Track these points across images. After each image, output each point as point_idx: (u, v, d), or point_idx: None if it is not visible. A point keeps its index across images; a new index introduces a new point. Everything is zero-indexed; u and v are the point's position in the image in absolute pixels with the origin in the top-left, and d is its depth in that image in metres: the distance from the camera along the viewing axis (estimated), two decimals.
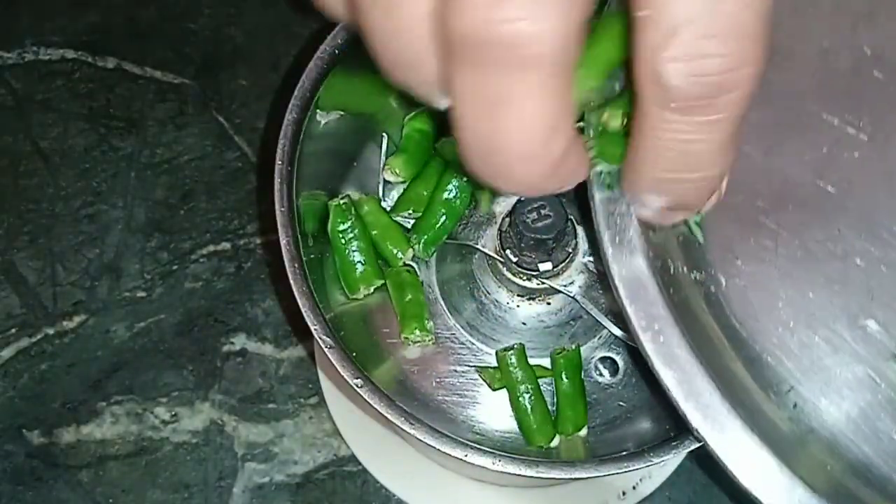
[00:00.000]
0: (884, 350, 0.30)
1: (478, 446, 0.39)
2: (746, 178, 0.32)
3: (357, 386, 0.38)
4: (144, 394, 0.55)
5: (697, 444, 0.37)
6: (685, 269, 0.30)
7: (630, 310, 0.29)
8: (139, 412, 0.55)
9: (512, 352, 0.45)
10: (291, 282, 0.40)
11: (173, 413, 0.55)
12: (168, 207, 0.59)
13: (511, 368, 0.45)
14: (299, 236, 0.41)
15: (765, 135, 0.33)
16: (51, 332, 0.57)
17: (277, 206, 0.41)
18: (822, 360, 0.31)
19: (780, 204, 0.32)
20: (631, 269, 0.29)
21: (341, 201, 0.46)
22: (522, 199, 0.43)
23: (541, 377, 0.46)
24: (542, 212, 0.42)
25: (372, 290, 0.47)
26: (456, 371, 0.47)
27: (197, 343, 0.57)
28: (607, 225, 0.29)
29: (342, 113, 0.46)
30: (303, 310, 0.39)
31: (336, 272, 0.47)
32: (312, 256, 0.45)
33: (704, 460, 0.54)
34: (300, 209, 0.44)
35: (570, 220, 0.44)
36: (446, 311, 0.48)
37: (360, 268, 0.46)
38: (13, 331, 0.57)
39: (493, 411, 0.46)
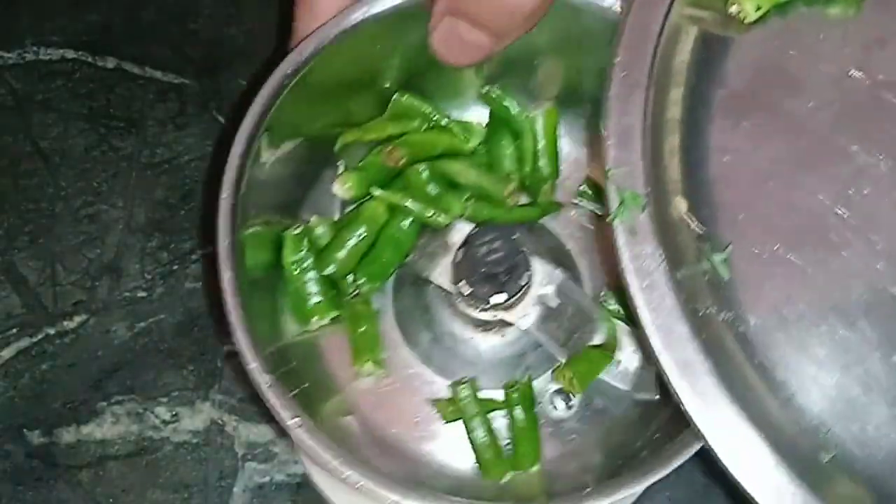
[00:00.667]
0: None
1: (415, 489, 0.38)
2: (768, 213, 0.32)
3: (295, 426, 0.37)
4: (145, 394, 0.55)
5: (655, 479, 0.38)
6: (714, 309, 0.30)
7: (663, 357, 0.28)
8: (139, 412, 0.55)
9: (466, 384, 0.45)
10: (233, 319, 0.39)
11: (173, 413, 0.55)
12: (168, 207, 0.59)
13: (464, 401, 0.45)
14: (245, 269, 0.40)
15: (784, 168, 0.32)
16: (51, 332, 0.57)
17: (220, 242, 0.40)
18: (858, 399, 0.30)
19: (803, 239, 0.31)
20: (662, 315, 0.28)
21: (295, 231, 0.45)
22: (475, 230, 0.43)
23: (494, 410, 0.46)
24: (494, 244, 0.42)
25: (326, 321, 0.46)
26: (412, 403, 0.47)
27: (197, 343, 0.57)
28: (634, 269, 0.29)
29: (295, 142, 0.46)
30: (241, 347, 0.38)
31: (290, 302, 0.46)
32: (265, 285, 0.45)
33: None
34: (250, 237, 0.43)
35: (524, 253, 0.44)
36: (402, 341, 0.48)
37: (313, 299, 0.46)
38: (13, 331, 0.57)
39: (451, 445, 0.46)
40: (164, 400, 0.55)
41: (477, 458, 0.45)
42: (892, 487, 0.30)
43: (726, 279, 0.31)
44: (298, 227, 0.46)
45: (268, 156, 0.43)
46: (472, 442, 0.45)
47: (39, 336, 0.57)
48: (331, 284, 0.47)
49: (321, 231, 0.47)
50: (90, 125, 0.62)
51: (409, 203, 0.46)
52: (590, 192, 0.49)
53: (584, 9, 0.42)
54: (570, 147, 0.51)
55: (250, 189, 0.42)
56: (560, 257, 0.49)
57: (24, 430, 0.55)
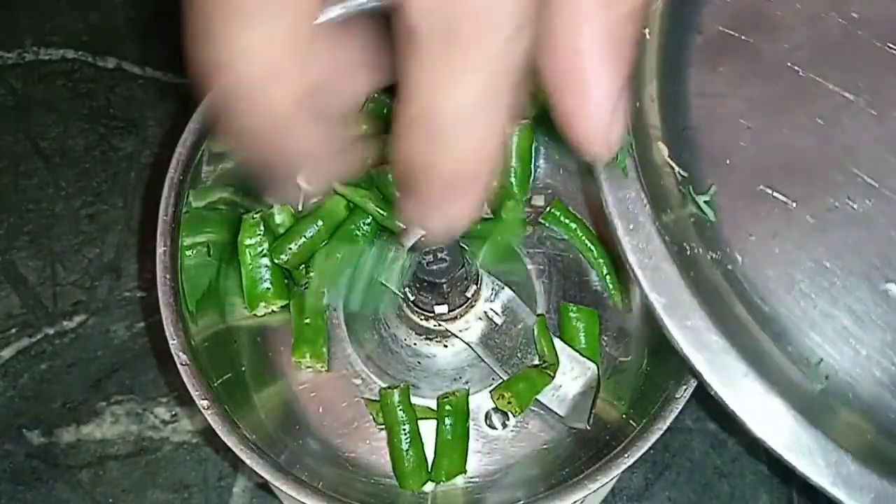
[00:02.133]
0: None
1: (312, 485, 0.38)
2: (750, 152, 0.32)
3: (203, 408, 0.38)
4: (144, 394, 0.55)
5: (585, 494, 0.37)
6: (701, 250, 0.30)
7: (653, 296, 0.28)
8: (139, 412, 0.55)
9: (396, 390, 0.44)
10: (160, 292, 0.39)
11: (173, 413, 0.55)
12: None
13: (392, 407, 0.44)
14: (181, 248, 0.41)
15: (764, 108, 0.32)
16: (51, 332, 0.57)
17: (161, 215, 0.40)
18: (848, 329, 0.30)
19: (786, 176, 0.32)
20: (650, 256, 0.29)
21: (253, 215, 0.46)
22: (422, 238, 0.43)
23: (425, 419, 0.45)
24: (439, 255, 0.42)
25: (274, 308, 0.47)
26: (345, 400, 0.46)
27: None
28: (619, 213, 0.29)
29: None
30: (164, 322, 0.39)
31: (240, 284, 0.46)
32: (218, 264, 0.45)
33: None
34: (204, 215, 0.43)
35: (475, 266, 0.44)
36: (347, 338, 0.48)
37: (263, 285, 0.46)
38: (13, 331, 0.57)
39: (376, 447, 0.46)
40: (164, 400, 0.55)
41: (395, 465, 0.44)
42: (888, 417, 0.30)
43: (712, 220, 0.31)
44: (258, 212, 0.46)
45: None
46: (391, 448, 0.44)
47: (39, 336, 0.57)
48: (283, 273, 0.47)
49: (280, 219, 0.47)
50: (90, 125, 0.62)
51: (367, 203, 0.46)
52: (557, 213, 0.49)
53: None
54: (542, 168, 0.51)
55: (209, 167, 0.42)
56: (516, 275, 0.49)
57: (24, 430, 0.55)
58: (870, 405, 0.30)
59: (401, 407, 0.44)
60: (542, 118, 0.49)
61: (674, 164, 0.31)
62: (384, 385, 0.46)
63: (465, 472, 0.45)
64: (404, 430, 0.44)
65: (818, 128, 0.32)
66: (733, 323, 0.29)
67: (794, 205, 0.31)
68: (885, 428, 0.30)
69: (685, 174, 0.31)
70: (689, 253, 0.30)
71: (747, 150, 0.32)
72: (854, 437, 0.29)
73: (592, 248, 0.49)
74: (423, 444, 0.44)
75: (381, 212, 0.46)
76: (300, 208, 0.49)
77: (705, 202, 0.31)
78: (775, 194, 0.31)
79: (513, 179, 0.49)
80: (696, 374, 0.29)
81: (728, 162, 0.32)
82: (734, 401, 0.29)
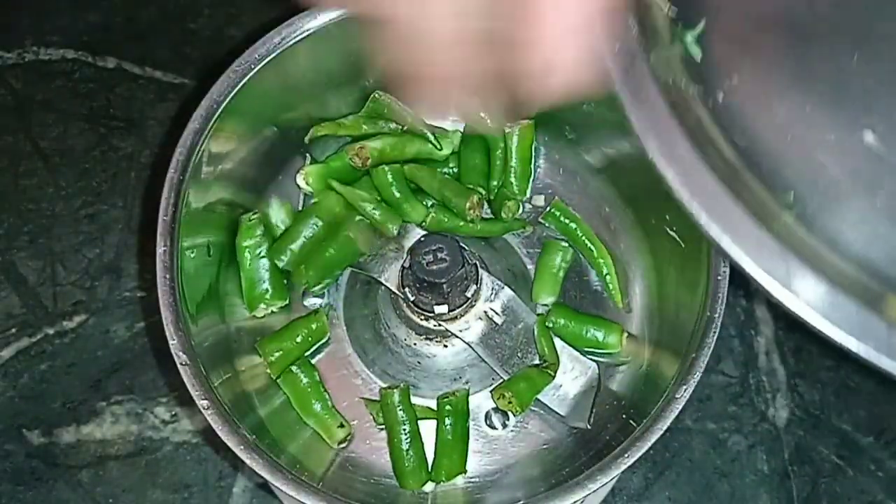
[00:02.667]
0: (882, 160, 0.31)
1: (315, 487, 0.38)
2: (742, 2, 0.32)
3: (203, 408, 0.38)
4: (144, 394, 0.55)
5: (585, 494, 0.37)
6: (684, 82, 0.31)
7: (634, 113, 0.29)
8: (139, 412, 0.55)
9: (396, 390, 0.44)
10: (160, 292, 0.40)
11: (173, 413, 0.55)
12: None
13: (392, 407, 0.44)
14: (180, 247, 0.41)
15: None
16: (51, 332, 0.57)
17: (161, 215, 0.40)
18: (823, 171, 0.31)
19: (775, 25, 0.32)
20: (634, 80, 0.29)
21: (251, 217, 0.46)
22: (422, 238, 0.43)
23: (425, 419, 0.45)
24: (439, 255, 0.42)
25: (272, 310, 0.47)
26: (346, 400, 0.46)
27: None
28: (612, 52, 0.30)
29: (266, 127, 0.46)
30: (164, 322, 0.39)
31: (239, 286, 0.46)
32: (218, 266, 0.45)
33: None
34: (204, 216, 0.43)
35: (475, 266, 0.44)
36: (347, 338, 0.48)
37: (262, 286, 0.46)
38: (13, 331, 0.57)
39: (376, 447, 0.46)
40: (164, 400, 0.55)
41: (395, 465, 0.44)
42: (856, 255, 0.31)
43: (697, 58, 0.32)
44: (255, 213, 0.46)
45: (231, 136, 0.44)
46: (391, 448, 0.44)
47: (39, 336, 0.57)
48: (282, 273, 0.47)
49: (277, 218, 0.47)
50: (90, 125, 0.62)
51: (362, 203, 0.46)
52: (557, 213, 0.49)
53: None
54: (543, 168, 0.51)
55: (209, 167, 0.42)
56: (516, 276, 0.49)
57: (24, 430, 0.55)
58: (838, 245, 0.30)
59: (401, 407, 0.44)
60: (542, 118, 0.49)
61: (665, 2, 0.32)
62: (384, 385, 0.46)
63: (465, 472, 0.45)
64: (404, 430, 0.44)
65: None
66: (716, 156, 0.30)
67: (780, 51, 0.32)
68: (861, 265, 0.30)
69: (675, 11, 0.32)
70: (676, 89, 0.31)
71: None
72: (830, 269, 0.30)
73: (592, 247, 0.49)
74: (423, 445, 0.44)
75: (374, 213, 0.46)
76: (300, 207, 0.49)
77: (694, 39, 0.32)
78: (762, 40, 0.32)
79: (513, 179, 0.49)
80: (680, 198, 0.30)
81: (720, 3, 0.32)
82: (713, 228, 0.29)
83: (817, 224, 0.31)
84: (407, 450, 0.44)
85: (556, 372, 0.44)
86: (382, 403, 0.45)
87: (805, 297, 0.28)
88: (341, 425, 0.45)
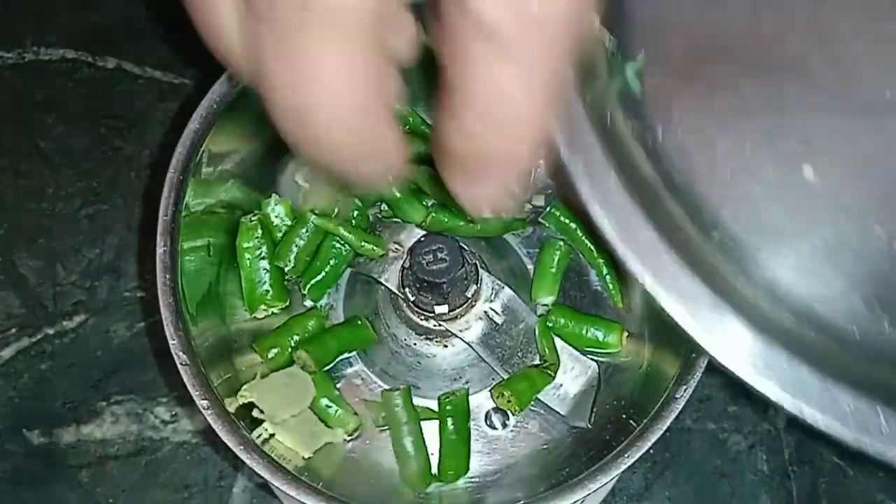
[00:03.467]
0: (821, 197, 0.30)
1: (319, 489, 0.38)
2: (682, 29, 0.32)
3: (203, 408, 0.38)
4: (144, 394, 0.55)
5: (585, 494, 0.37)
6: (622, 119, 0.30)
7: (569, 157, 0.28)
8: (139, 412, 0.55)
9: (398, 392, 0.44)
10: (160, 292, 0.40)
11: (173, 413, 0.55)
12: None
13: (395, 409, 0.44)
14: (180, 247, 0.41)
15: None
16: (51, 332, 0.57)
17: (161, 215, 0.40)
18: (762, 209, 0.31)
19: (716, 56, 0.32)
20: (570, 122, 0.28)
21: (251, 219, 0.46)
22: (422, 238, 0.43)
23: (426, 419, 0.45)
24: (439, 255, 0.42)
25: (273, 311, 0.47)
26: (348, 402, 0.46)
27: None
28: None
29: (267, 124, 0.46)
30: (164, 322, 0.39)
31: (240, 287, 0.46)
32: (218, 268, 0.45)
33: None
34: (205, 218, 0.43)
35: (475, 266, 0.44)
36: None
37: (262, 288, 0.46)
38: (13, 331, 0.57)
39: (377, 447, 0.46)
40: (164, 400, 0.55)
41: (400, 467, 0.44)
42: (796, 298, 0.30)
43: (636, 92, 0.31)
44: (255, 214, 0.46)
45: (231, 136, 0.44)
46: (396, 451, 0.44)
47: (39, 336, 0.57)
48: (283, 275, 0.47)
49: (277, 217, 0.47)
50: (90, 125, 0.62)
51: (342, 232, 0.46)
52: (557, 213, 0.49)
53: None
54: (542, 168, 0.50)
55: (209, 167, 0.42)
56: (517, 275, 0.49)
57: (24, 430, 0.55)
58: (779, 288, 0.30)
59: (403, 408, 0.44)
60: None
61: (605, 35, 0.31)
62: (384, 385, 0.46)
63: (468, 471, 0.45)
64: (407, 431, 0.44)
65: (751, 12, 0.31)
66: (649, 194, 0.29)
67: (721, 85, 0.31)
68: (798, 311, 0.30)
69: (614, 42, 0.31)
70: (609, 124, 0.30)
71: (680, 26, 0.32)
72: (767, 319, 0.29)
73: (592, 247, 0.49)
74: (426, 446, 0.44)
75: (356, 241, 0.46)
76: (301, 202, 0.49)
77: (634, 73, 0.31)
78: (703, 72, 0.31)
79: None
80: (605, 237, 0.29)
81: (660, 36, 0.32)
82: (639, 268, 0.29)
83: (755, 267, 0.30)
84: (411, 451, 0.44)
85: (556, 372, 0.44)
86: (384, 405, 0.45)
87: (735, 348, 0.28)
88: (355, 413, 0.45)
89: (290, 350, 0.45)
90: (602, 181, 0.28)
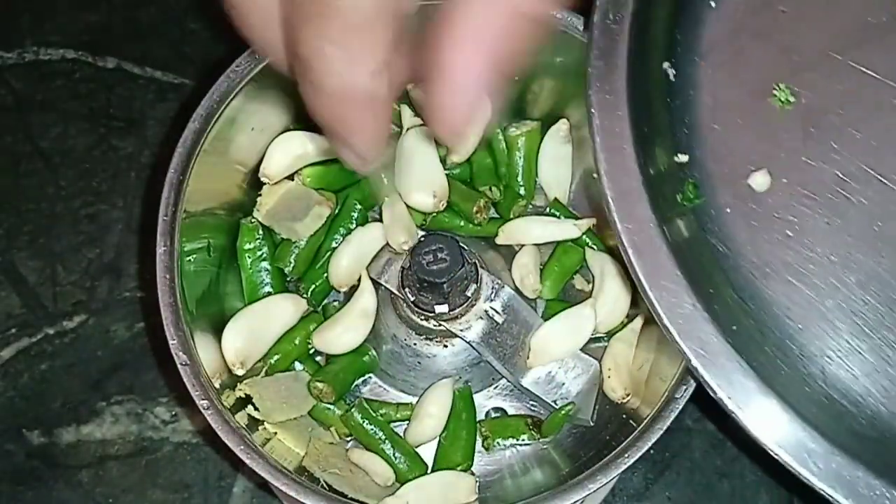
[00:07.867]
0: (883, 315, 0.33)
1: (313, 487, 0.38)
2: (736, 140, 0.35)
3: (203, 408, 0.38)
4: (144, 394, 0.55)
5: (585, 494, 0.37)
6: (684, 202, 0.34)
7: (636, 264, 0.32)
8: (139, 412, 0.55)
9: (354, 407, 0.44)
10: (160, 292, 0.40)
11: (173, 413, 0.55)
12: None
13: (356, 424, 0.44)
14: (180, 248, 0.41)
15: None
16: (51, 332, 0.57)
17: (161, 215, 0.41)
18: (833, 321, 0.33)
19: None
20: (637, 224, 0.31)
21: (252, 220, 0.46)
22: (422, 238, 0.43)
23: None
24: (439, 255, 0.42)
25: None
26: None
27: None
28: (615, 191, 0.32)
29: (269, 123, 0.46)
30: (164, 322, 0.39)
31: (240, 289, 0.46)
32: (218, 269, 0.45)
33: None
34: (206, 220, 0.43)
35: (475, 265, 0.44)
36: None
37: (264, 289, 0.46)
38: (13, 331, 0.57)
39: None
40: (164, 400, 0.55)
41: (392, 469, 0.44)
42: (869, 406, 0.31)
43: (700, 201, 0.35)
44: (255, 215, 0.46)
45: (231, 136, 0.44)
46: (377, 452, 0.44)
47: (39, 336, 0.57)
48: (283, 276, 0.47)
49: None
50: (90, 125, 0.62)
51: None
52: (556, 213, 0.49)
53: (573, 34, 0.42)
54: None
55: (209, 167, 0.42)
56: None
57: (24, 430, 0.55)
58: (851, 395, 0.31)
59: (366, 420, 0.44)
60: (546, 119, 0.49)
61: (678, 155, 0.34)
62: (384, 385, 0.47)
63: (472, 463, 0.45)
64: (378, 435, 0.44)
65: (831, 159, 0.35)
66: (720, 304, 0.32)
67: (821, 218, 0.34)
68: (868, 417, 0.31)
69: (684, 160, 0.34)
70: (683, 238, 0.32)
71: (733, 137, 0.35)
72: (841, 426, 0.30)
73: (592, 247, 0.49)
74: (403, 441, 0.45)
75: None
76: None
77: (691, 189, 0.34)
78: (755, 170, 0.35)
79: (519, 180, 0.49)
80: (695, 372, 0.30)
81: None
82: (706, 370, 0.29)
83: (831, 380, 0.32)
84: (388, 449, 0.44)
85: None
86: (346, 423, 0.45)
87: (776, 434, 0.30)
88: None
89: (292, 356, 0.45)
90: (672, 288, 0.31)
